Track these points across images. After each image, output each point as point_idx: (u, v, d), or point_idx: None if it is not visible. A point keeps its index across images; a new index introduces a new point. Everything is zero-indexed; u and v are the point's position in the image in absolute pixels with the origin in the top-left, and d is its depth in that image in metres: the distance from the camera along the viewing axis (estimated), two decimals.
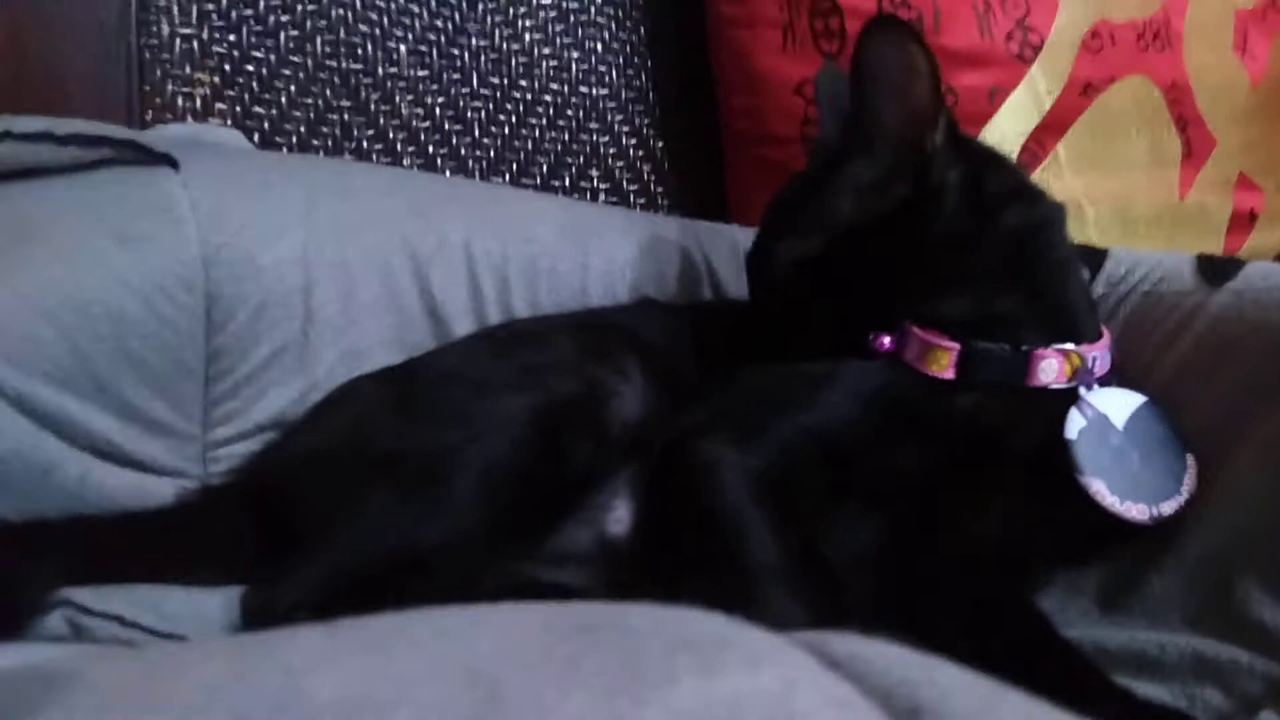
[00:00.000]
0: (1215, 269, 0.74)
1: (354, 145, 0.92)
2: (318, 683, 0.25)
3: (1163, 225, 1.05)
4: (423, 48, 0.96)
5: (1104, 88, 1.03)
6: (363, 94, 0.93)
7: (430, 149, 0.96)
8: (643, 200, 1.10)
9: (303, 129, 0.90)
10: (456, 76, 0.98)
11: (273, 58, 0.88)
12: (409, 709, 0.23)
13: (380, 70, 0.94)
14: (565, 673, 0.23)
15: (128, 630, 0.52)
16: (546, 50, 1.04)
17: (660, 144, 1.11)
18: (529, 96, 1.03)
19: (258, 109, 0.88)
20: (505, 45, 1.01)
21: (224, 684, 0.26)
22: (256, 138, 0.87)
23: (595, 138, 1.07)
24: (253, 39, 0.88)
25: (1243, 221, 1.11)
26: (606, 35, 1.08)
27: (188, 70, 0.85)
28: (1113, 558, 0.67)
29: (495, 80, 1.00)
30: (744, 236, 0.96)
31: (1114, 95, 1.03)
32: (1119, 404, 0.65)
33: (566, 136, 1.05)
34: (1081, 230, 0.95)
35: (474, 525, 0.57)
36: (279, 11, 0.89)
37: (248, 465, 0.69)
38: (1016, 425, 0.64)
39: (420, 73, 0.96)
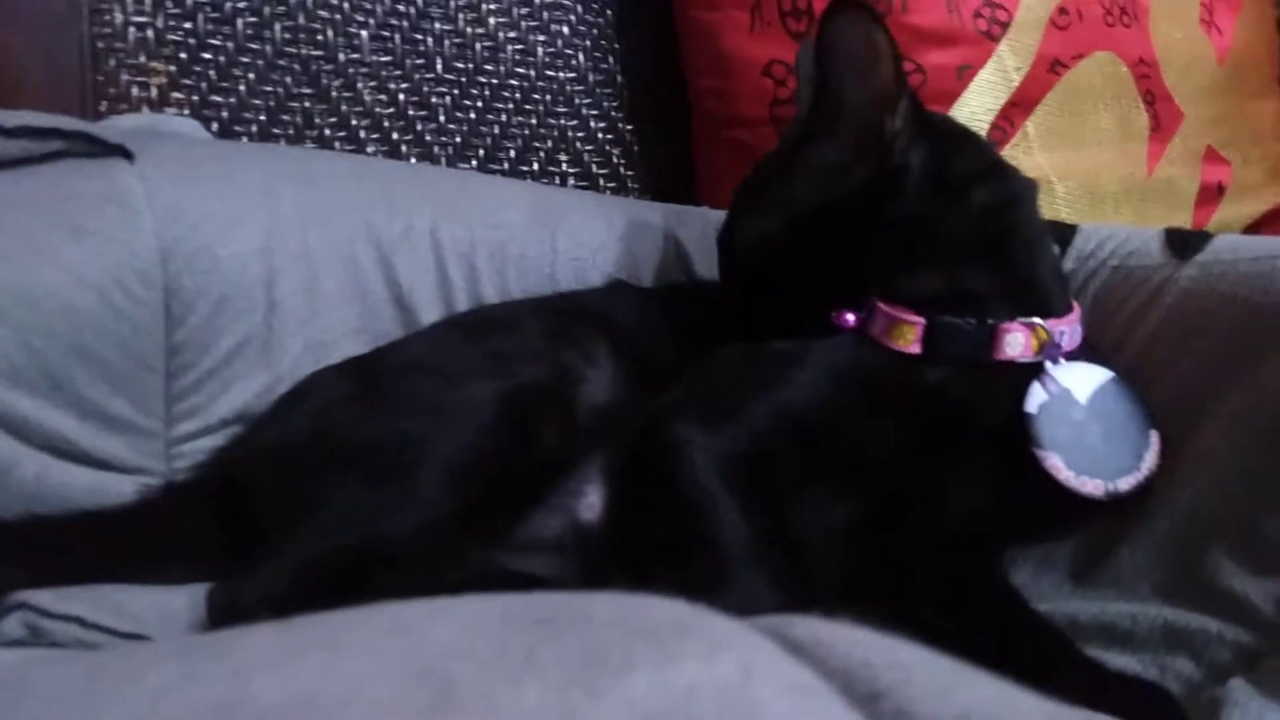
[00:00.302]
0: (1183, 242, 0.74)
1: (316, 133, 0.91)
2: (267, 683, 0.24)
3: (1132, 200, 1.05)
4: (385, 33, 0.95)
5: (1072, 64, 1.02)
6: (324, 81, 0.91)
7: (395, 136, 0.95)
8: (612, 184, 1.09)
9: (263, 117, 0.88)
10: (420, 62, 0.96)
11: (230, 45, 0.87)
12: (359, 708, 0.22)
13: (342, 57, 0.92)
14: (520, 666, 0.23)
15: (89, 632, 0.51)
16: (512, 34, 1.02)
17: (629, 127, 1.10)
18: (495, 81, 1.01)
19: (216, 98, 0.86)
20: (470, 30, 1.00)
21: (171, 686, 0.25)
22: (215, 127, 0.86)
23: (563, 122, 1.06)
24: (209, 26, 0.86)
25: (1211, 194, 1.11)
26: (573, 18, 1.07)
27: (143, 59, 0.83)
28: (1084, 531, 0.67)
29: (460, 65, 0.99)
30: (715, 218, 0.96)
31: (1082, 71, 1.03)
32: (1084, 379, 0.64)
33: (534, 121, 1.04)
34: (1051, 206, 0.95)
35: (441, 515, 0.56)
36: None
37: (212, 460, 0.68)
38: (983, 400, 0.64)
39: (383, 59, 0.95)
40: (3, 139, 0.63)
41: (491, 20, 1.01)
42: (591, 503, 0.64)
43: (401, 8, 0.95)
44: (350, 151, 0.93)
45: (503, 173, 1.02)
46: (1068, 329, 0.67)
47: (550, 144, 1.05)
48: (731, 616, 0.28)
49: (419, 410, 0.60)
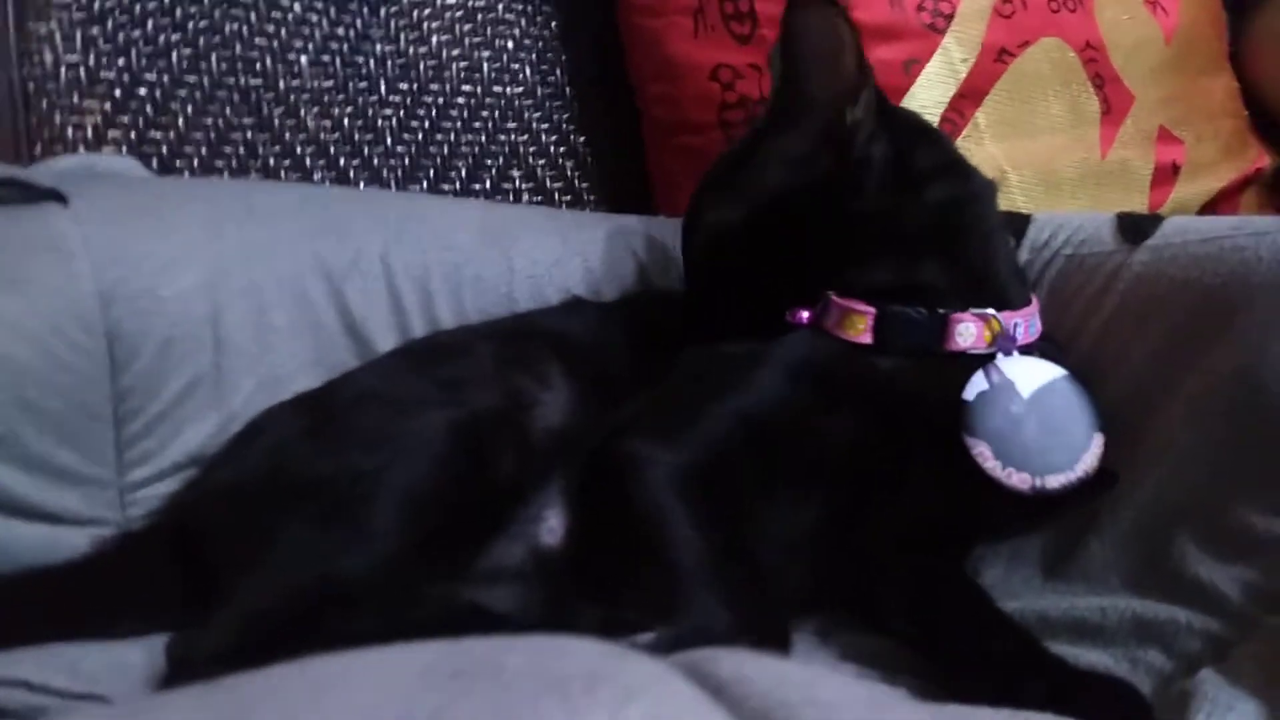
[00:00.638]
0: (1135, 227, 0.74)
1: (260, 164, 0.89)
2: None
3: (1087, 185, 1.05)
4: (325, 58, 0.93)
5: (1018, 52, 1.02)
6: (265, 109, 0.90)
7: (341, 161, 0.94)
8: (568, 197, 1.08)
9: (204, 150, 0.87)
10: (363, 85, 0.95)
11: (166, 79, 0.85)
12: None
13: (282, 84, 0.91)
14: None
15: (37, 695, 0.50)
16: (456, 52, 1.01)
17: (581, 138, 1.09)
18: (441, 100, 1.00)
19: (154, 133, 0.85)
20: (412, 50, 0.98)
21: None
22: (155, 163, 0.84)
23: (514, 137, 1.05)
24: (143, 61, 0.84)
25: (1166, 175, 1.11)
26: (517, 32, 1.06)
27: (76, 99, 0.81)
28: (1054, 526, 0.67)
29: (404, 86, 0.98)
30: (672, 226, 0.95)
31: (1029, 59, 1.03)
32: (1031, 373, 0.64)
33: (484, 138, 1.03)
34: (1006, 196, 0.95)
35: (398, 550, 0.55)
36: (169, 31, 0.86)
37: (166, 506, 0.66)
38: (936, 390, 0.63)
39: (325, 83, 0.93)
40: None
41: (434, 38, 1.00)
42: (552, 527, 0.63)
43: (340, 31, 0.94)
44: (297, 179, 0.91)
45: (454, 192, 1.01)
46: (1023, 321, 0.66)
47: (501, 160, 1.04)
48: (661, 653, 0.28)
49: (371, 443, 0.59)
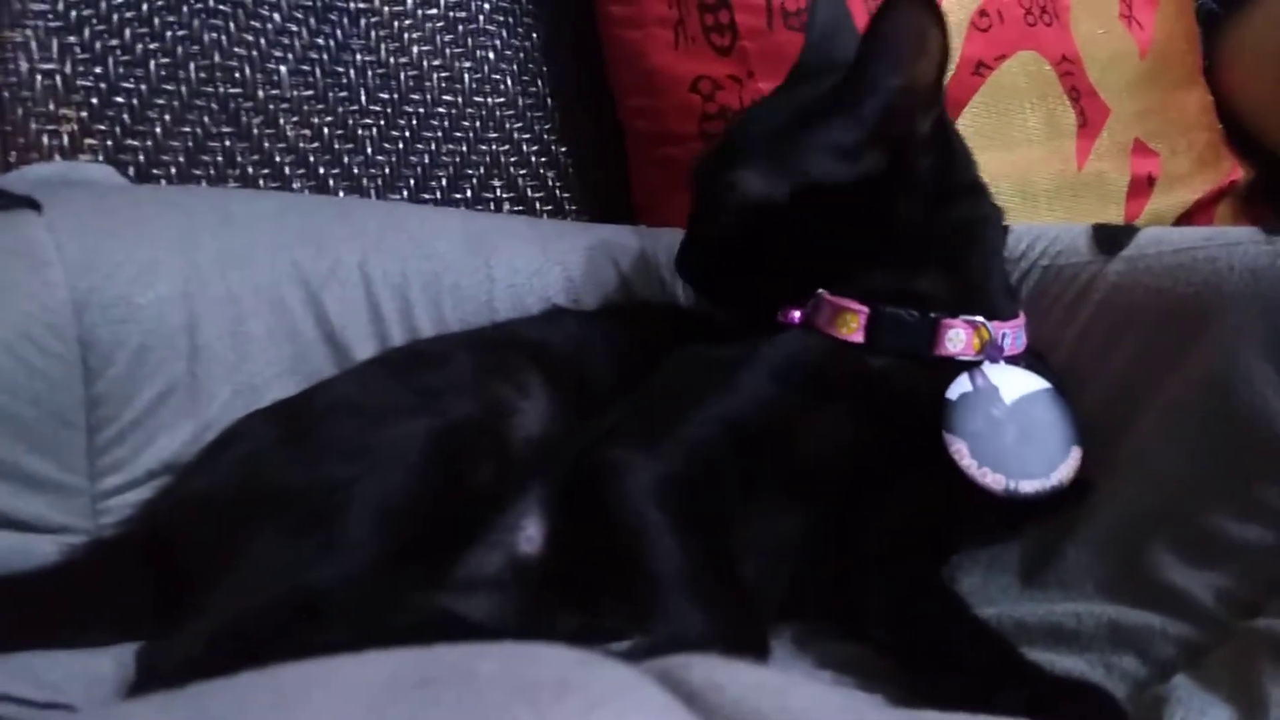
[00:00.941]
0: (1110, 238, 0.75)
1: (238, 173, 0.89)
2: None
3: (1064, 197, 1.06)
4: (305, 67, 0.93)
5: (996, 65, 1.03)
6: (244, 119, 0.89)
7: (321, 170, 0.93)
8: (549, 207, 1.08)
9: (181, 159, 0.86)
10: (344, 95, 0.95)
11: (144, 88, 0.85)
12: None
13: (261, 93, 0.90)
14: None
15: (2, 705, 0.49)
16: (437, 62, 1.01)
17: (563, 149, 1.09)
18: (422, 110, 1.00)
19: (131, 142, 0.84)
20: (393, 60, 0.98)
21: None
22: (132, 171, 0.84)
23: (495, 147, 1.04)
24: (120, 70, 0.84)
25: (1141, 187, 1.12)
26: (498, 43, 1.06)
27: (52, 107, 0.81)
28: (1033, 534, 0.67)
29: (385, 96, 0.98)
30: (654, 237, 0.96)
31: (1006, 72, 1.04)
32: (1016, 382, 0.65)
33: (465, 148, 1.02)
34: None
35: (373, 561, 0.55)
36: (147, 40, 0.85)
37: (139, 514, 0.66)
38: (924, 394, 0.64)
39: (305, 93, 0.93)
40: None
41: (415, 49, 1.00)
42: (530, 535, 0.63)
43: (320, 41, 0.94)
44: (276, 189, 0.91)
45: (435, 202, 1.00)
46: (1011, 332, 0.67)
47: (483, 170, 1.03)
48: (636, 660, 0.28)
49: (346, 453, 0.58)
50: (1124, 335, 0.69)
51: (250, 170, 0.89)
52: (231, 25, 0.90)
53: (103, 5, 0.84)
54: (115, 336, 0.67)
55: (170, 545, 0.60)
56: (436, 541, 0.59)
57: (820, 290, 0.67)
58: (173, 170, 0.86)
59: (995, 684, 0.52)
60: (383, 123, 0.97)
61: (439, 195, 1.01)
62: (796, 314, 0.67)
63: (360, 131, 0.96)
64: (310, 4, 0.94)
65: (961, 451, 0.61)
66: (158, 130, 0.85)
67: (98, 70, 0.83)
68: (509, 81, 1.06)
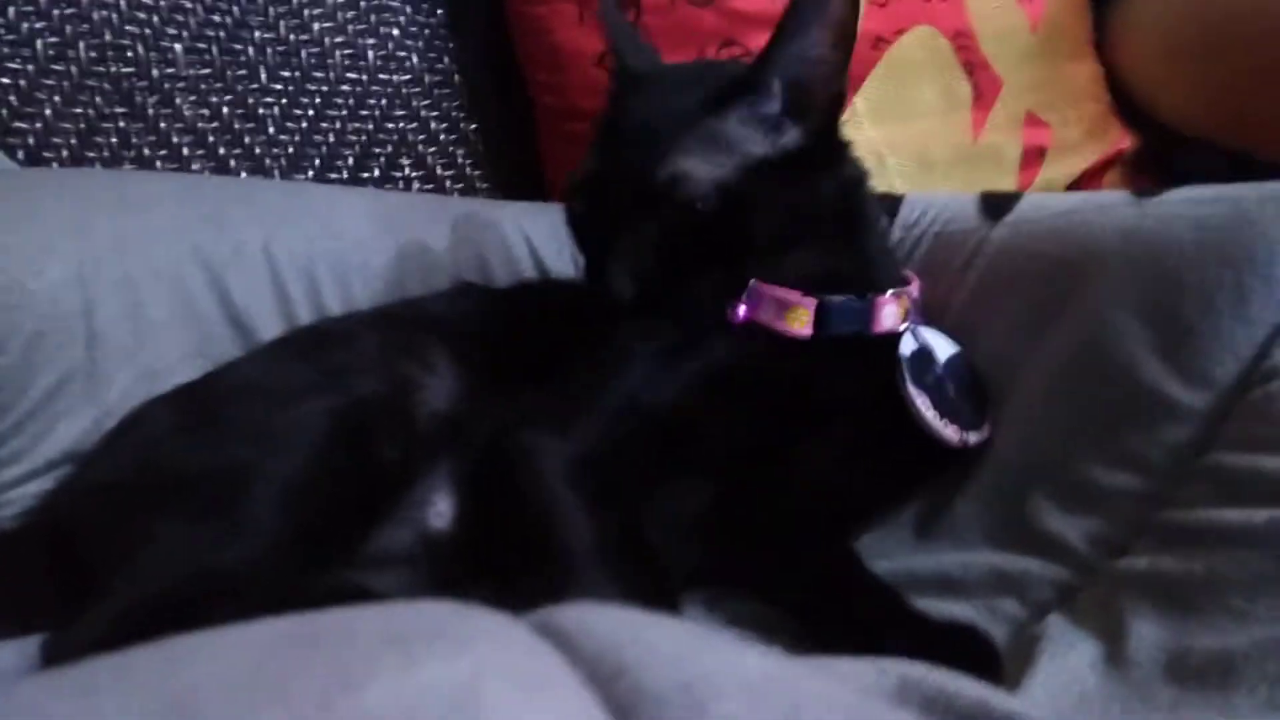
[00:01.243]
0: (995, 205, 0.78)
1: (134, 155, 0.87)
2: None
3: (959, 167, 1.09)
4: (201, 45, 0.91)
5: (894, 39, 1.06)
6: (138, 99, 0.87)
7: (221, 151, 0.92)
8: (460, 185, 1.08)
9: (74, 142, 0.84)
10: (243, 73, 0.93)
11: (31, 69, 0.82)
12: None
13: (156, 72, 0.88)
14: (269, 691, 0.23)
15: None
16: (339, 39, 1.00)
17: (472, 127, 1.09)
18: (325, 89, 0.99)
19: (20, 124, 0.82)
20: (293, 37, 0.97)
21: None
22: (22, 155, 0.81)
23: (402, 125, 1.04)
24: (6, 50, 0.81)
25: (1033, 157, 1.17)
26: (403, 20, 1.05)
27: None
28: (924, 492, 0.70)
29: (286, 74, 0.96)
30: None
31: (904, 46, 1.07)
32: (942, 343, 0.70)
33: (371, 127, 1.02)
34: (884, 178, 0.98)
35: (278, 541, 0.55)
36: (33, 19, 0.83)
37: (40, 505, 0.65)
38: (859, 372, 0.67)
39: (201, 71, 0.91)
40: None
41: (316, 25, 0.99)
42: (440, 511, 0.63)
43: (216, 18, 0.92)
44: (174, 170, 0.89)
45: (342, 181, 1.00)
46: (917, 296, 0.71)
47: (390, 149, 1.03)
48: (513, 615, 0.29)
49: (249, 435, 0.58)
50: (1007, 297, 0.72)
51: (147, 152, 0.87)
52: (122, 3, 0.88)
53: None
54: (8, 323, 0.66)
55: (72, 536, 0.59)
56: (344, 519, 0.59)
57: (751, 280, 0.66)
58: (64, 153, 0.84)
59: (883, 632, 0.55)
60: (285, 101, 0.96)
61: (346, 175, 1.00)
62: (742, 310, 0.66)
63: (261, 111, 0.94)
64: None
65: (926, 405, 0.65)
66: (48, 112, 0.83)
67: None
68: (415, 58, 1.05)
